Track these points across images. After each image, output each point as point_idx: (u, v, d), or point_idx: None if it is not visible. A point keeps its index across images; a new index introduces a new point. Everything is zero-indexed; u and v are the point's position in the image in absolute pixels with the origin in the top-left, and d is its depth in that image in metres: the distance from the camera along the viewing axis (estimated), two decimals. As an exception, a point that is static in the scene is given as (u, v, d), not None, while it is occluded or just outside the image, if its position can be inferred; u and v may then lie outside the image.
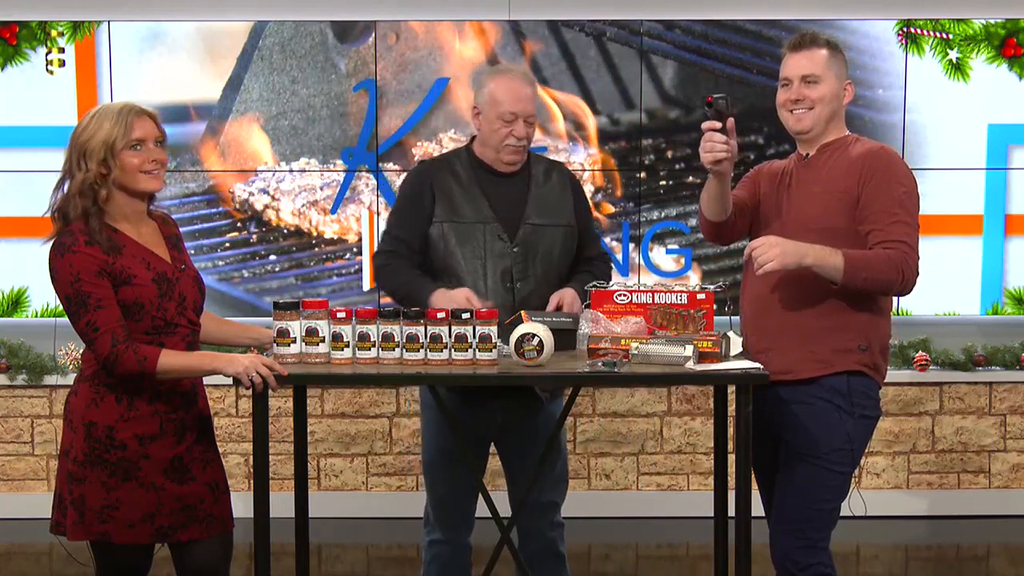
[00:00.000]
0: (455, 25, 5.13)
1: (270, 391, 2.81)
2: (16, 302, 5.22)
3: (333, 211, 5.20)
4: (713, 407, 3.43)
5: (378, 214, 5.18)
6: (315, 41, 5.14)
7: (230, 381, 2.81)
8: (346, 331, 2.93)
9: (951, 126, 5.18)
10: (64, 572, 4.52)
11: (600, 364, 2.84)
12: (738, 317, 3.15)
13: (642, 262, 5.22)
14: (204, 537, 2.89)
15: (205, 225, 5.20)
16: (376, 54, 5.14)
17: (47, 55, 5.11)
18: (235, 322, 3.37)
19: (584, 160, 5.17)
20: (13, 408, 5.21)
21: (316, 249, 5.22)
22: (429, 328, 2.89)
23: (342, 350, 2.93)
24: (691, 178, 5.19)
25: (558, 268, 3.34)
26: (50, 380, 5.16)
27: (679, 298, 3.02)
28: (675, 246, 5.24)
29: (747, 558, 2.86)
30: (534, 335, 2.84)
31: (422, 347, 2.89)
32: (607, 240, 5.13)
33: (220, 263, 5.22)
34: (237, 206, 5.19)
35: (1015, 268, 5.23)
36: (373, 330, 2.92)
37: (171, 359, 2.76)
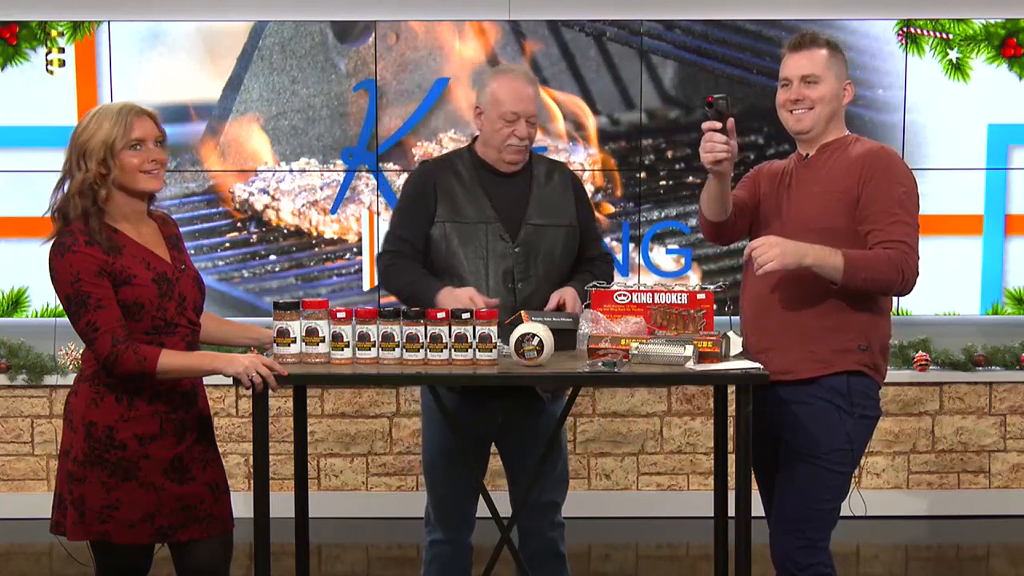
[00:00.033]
0: (455, 25, 5.13)
1: (270, 391, 2.81)
2: (16, 302, 5.22)
3: (333, 211, 5.20)
4: (713, 407, 3.43)
5: (378, 214, 5.18)
6: (315, 41, 5.14)
7: (230, 381, 2.81)
8: (346, 331, 2.93)
9: (951, 126, 5.18)
10: (64, 572, 4.52)
11: (600, 364, 2.84)
12: (738, 317, 3.15)
13: (642, 262, 5.22)
14: (204, 537, 2.89)
15: (205, 225, 5.20)
16: (376, 54, 5.14)
17: (47, 55, 5.12)
18: (235, 322, 3.37)
19: (584, 160, 5.17)
20: (13, 408, 5.21)
21: (316, 249, 5.22)
22: (429, 328, 2.89)
23: (342, 350, 2.93)
24: (691, 178, 5.19)
25: (560, 268, 3.34)
26: (50, 380, 5.16)
27: (679, 298, 3.02)
28: (675, 246, 5.24)
29: (747, 558, 2.86)
30: (534, 335, 2.84)
31: (422, 347, 2.89)
32: (607, 240, 5.13)
33: (220, 263, 5.22)
34: (237, 206, 5.19)
35: (1015, 268, 5.23)
36: (373, 330, 2.92)
37: (171, 359, 2.76)
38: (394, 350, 2.91)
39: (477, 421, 3.31)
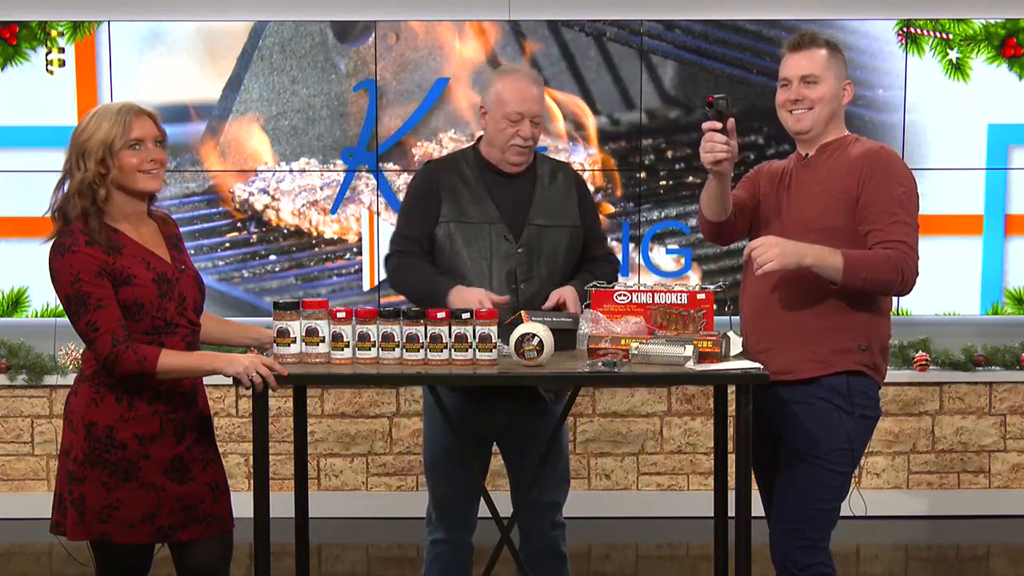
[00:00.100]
0: (455, 25, 5.13)
1: (270, 391, 2.81)
2: (16, 302, 5.22)
3: (333, 211, 5.20)
4: (713, 407, 3.43)
5: (378, 214, 5.18)
6: (315, 41, 5.14)
7: (230, 381, 2.81)
8: (346, 331, 2.93)
9: (951, 126, 5.18)
10: (64, 572, 4.52)
11: (600, 364, 2.84)
12: (738, 317, 3.15)
13: (642, 262, 5.22)
14: (204, 537, 2.89)
15: (205, 225, 5.20)
16: (376, 54, 5.14)
17: (47, 55, 5.12)
18: (235, 322, 3.37)
19: (584, 160, 5.17)
20: (13, 408, 5.21)
21: (316, 249, 5.22)
22: (429, 328, 2.89)
23: (342, 350, 2.93)
24: (691, 178, 5.19)
25: (563, 269, 3.34)
26: (50, 380, 5.16)
27: (679, 298, 3.02)
28: (675, 246, 5.24)
29: (747, 558, 2.86)
30: (534, 335, 2.84)
31: (422, 347, 2.89)
32: (607, 240, 5.13)
33: (220, 263, 5.22)
34: (237, 206, 5.19)
35: (1015, 268, 5.23)
36: (373, 330, 2.92)
37: (171, 359, 2.76)
38: (394, 350, 2.91)
39: (478, 421, 3.31)
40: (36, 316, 5.21)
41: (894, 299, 3.25)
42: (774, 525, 3.10)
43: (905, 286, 2.94)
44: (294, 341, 2.92)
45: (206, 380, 2.97)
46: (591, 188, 5.10)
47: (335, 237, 5.22)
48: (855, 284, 2.89)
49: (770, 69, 5.00)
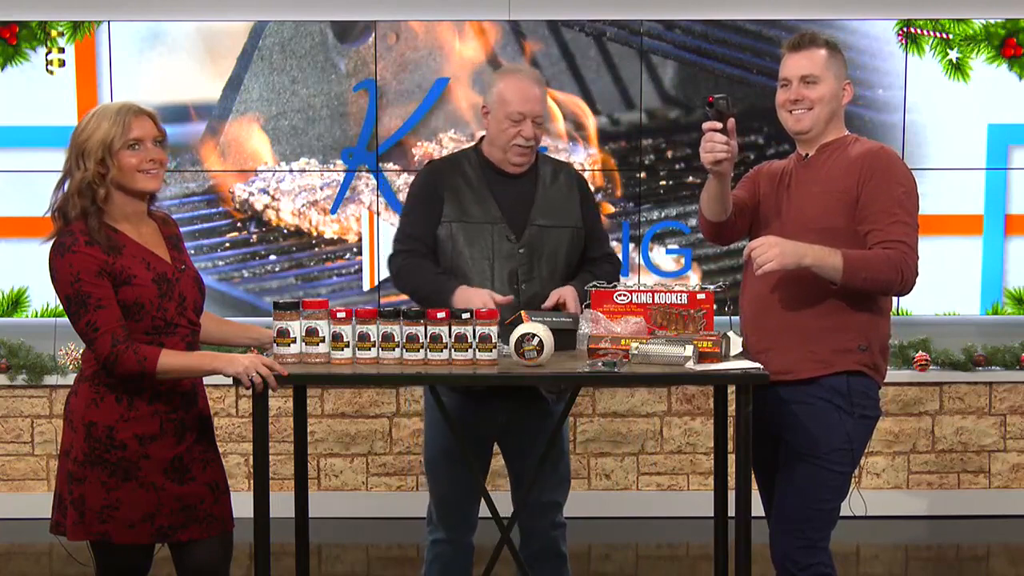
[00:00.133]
0: (455, 25, 5.13)
1: (270, 391, 2.81)
2: (16, 302, 5.22)
3: (333, 211, 5.20)
4: (713, 407, 3.43)
5: (378, 214, 5.18)
6: (315, 41, 5.14)
7: (230, 381, 2.81)
8: (346, 331, 2.93)
9: (951, 126, 5.18)
10: (64, 572, 4.52)
11: (600, 364, 2.84)
12: (738, 317, 3.15)
13: (642, 262, 5.22)
14: (204, 537, 2.89)
15: (205, 225, 5.20)
16: (376, 54, 5.14)
17: (47, 55, 5.12)
18: (235, 322, 3.37)
19: (584, 160, 5.17)
20: (13, 408, 5.21)
21: (316, 249, 5.22)
22: (429, 328, 2.89)
23: (342, 350, 2.93)
24: (691, 178, 5.19)
25: (564, 269, 3.33)
26: (50, 380, 5.16)
27: (679, 298, 3.02)
28: (675, 246, 5.24)
29: (747, 558, 2.86)
30: (534, 335, 2.84)
31: (422, 347, 2.89)
32: (607, 240, 5.13)
33: (220, 263, 5.22)
34: (237, 206, 5.19)
35: (1015, 268, 5.23)
36: (373, 330, 2.92)
37: (171, 359, 2.76)
38: (394, 350, 2.91)
39: (479, 421, 3.31)
40: (36, 316, 5.21)
41: (894, 299, 3.25)
42: (774, 525, 3.10)
43: (905, 286, 2.94)
44: (294, 341, 2.92)
45: (206, 380, 2.97)
46: (591, 188, 5.11)
47: (335, 237, 5.22)
48: (855, 284, 2.89)
49: (770, 69, 5.00)
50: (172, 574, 2.98)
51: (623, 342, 2.93)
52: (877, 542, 4.98)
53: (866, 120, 5.13)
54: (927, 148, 5.18)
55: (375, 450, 5.26)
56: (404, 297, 3.42)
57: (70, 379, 4.60)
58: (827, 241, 2.90)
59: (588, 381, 3.13)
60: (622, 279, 5.06)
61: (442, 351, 2.88)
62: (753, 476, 2.95)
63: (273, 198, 5.19)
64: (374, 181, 5.19)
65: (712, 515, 3.25)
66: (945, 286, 5.13)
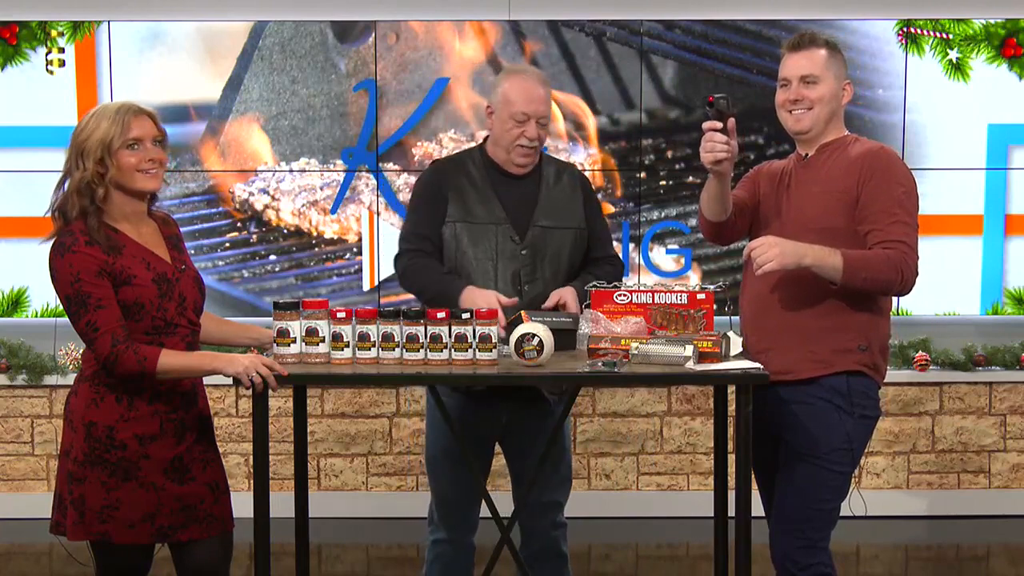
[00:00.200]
0: (455, 25, 5.13)
1: (270, 391, 2.81)
2: (16, 302, 5.22)
3: (333, 211, 5.20)
4: (713, 407, 3.43)
5: (378, 214, 5.18)
6: (315, 41, 5.14)
7: (230, 381, 2.81)
8: (346, 331, 2.93)
9: (951, 126, 5.18)
10: (64, 572, 4.52)
11: (600, 364, 2.84)
12: (738, 317, 3.15)
13: (642, 262, 5.22)
14: (204, 537, 2.89)
15: (205, 225, 5.20)
16: (376, 54, 5.14)
17: (47, 55, 5.12)
18: (235, 322, 3.37)
19: (584, 160, 5.17)
20: (13, 408, 5.21)
21: (316, 249, 5.22)
22: (429, 328, 2.89)
23: (342, 350, 2.93)
24: (691, 178, 5.19)
25: (567, 270, 3.33)
26: (50, 380, 5.16)
27: (679, 298, 3.02)
28: (675, 246, 5.24)
29: (747, 558, 2.86)
30: (534, 335, 2.84)
31: (422, 347, 2.89)
32: (607, 240, 5.13)
33: (220, 263, 5.22)
34: (237, 206, 5.19)
35: (1015, 268, 5.23)
36: (373, 330, 2.92)
37: (171, 359, 2.76)
38: (394, 350, 2.91)
39: (480, 421, 3.31)
40: (36, 316, 5.21)
41: (894, 299, 3.25)
42: (774, 525, 3.10)
43: (905, 286, 2.94)
44: (294, 341, 2.92)
45: (206, 380, 2.97)
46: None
47: (335, 237, 5.22)
48: (855, 284, 2.89)
49: (770, 69, 5.00)
50: (172, 574, 2.98)
51: (623, 342, 2.93)
52: (877, 542, 4.98)
53: (866, 120, 5.13)
54: (927, 148, 5.18)
55: (375, 450, 5.26)
56: (404, 297, 3.43)
57: (70, 379, 4.61)
58: (827, 241, 2.90)
59: (588, 381, 3.13)
60: (622, 279, 5.07)
61: (442, 351, 2.88)
62: (753, 476, 2.95)
63: (273, 198, 5.19)
64: (374, 181, 5.19)
65: (712, 515, 3.25)
66: (945, 286, 5.13)
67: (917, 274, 2.95)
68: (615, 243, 5.12)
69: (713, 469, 3.33)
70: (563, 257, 3.32)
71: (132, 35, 5.12)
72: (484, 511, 3.28)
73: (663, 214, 5.22)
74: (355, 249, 5.21)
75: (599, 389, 5.21)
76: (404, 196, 5.12)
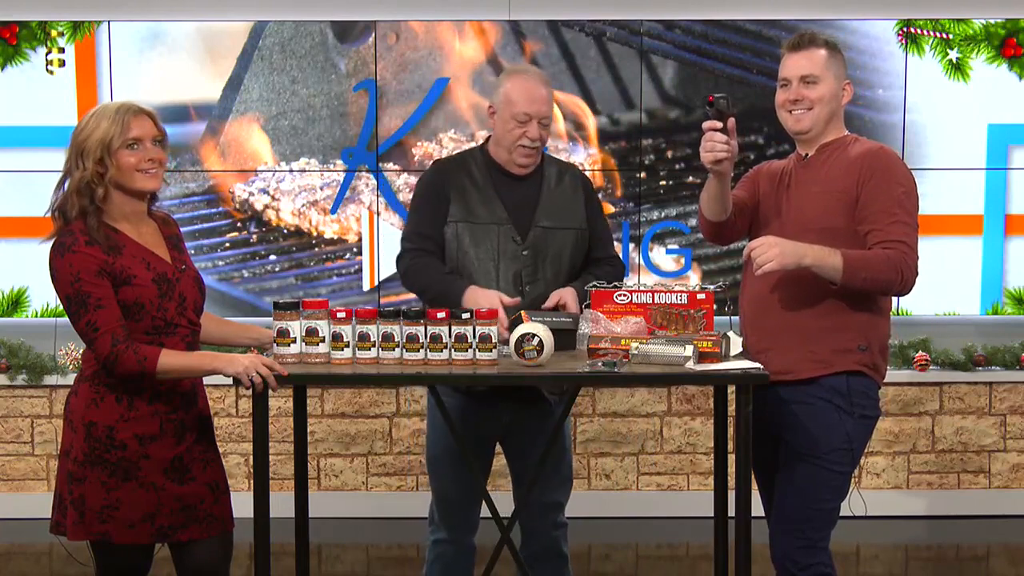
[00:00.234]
0: (455, 25, 5.13)
1: (270, 391, 2.81)
2: (16, 302, 5.22)
3: (333, 211, 5.20)
4: (713, 407, 3.43)
5: (378, 214, 5.18)
6: (315, 41, 5.14)
7: (230, 381, 2.81)
8: (346, 331, 2.93)
9: (951, 126, 5.18)
10: (64, 572, 4.52)
11: (600, 364, 2.84)
12: (738, 317, 3.15)
13: (642, 262, 5.22)
14: (204, 537, 2.89)
15: (205, 225, 5.20)
16: (376, 54, 5.14)
17: (47, 55, 5.12)
18: (235, 322, 3.37)
19: (584, 160, 5.17)
20: (13, 408, 5.21)
21: (316, 249, 5.22)
22: (429, 328, 2.89)
23: (342, 350, 2.93)
24: (691, 178, 5.19)
25: (568, 271, 3.33)
26: (50, 380, 5.16)
27: (679, 298, 3.02)
28: (675, 246, 5.24)
29: (747, 558, 2.86)
30: (534, 335, 2.84)
31: (422, 347, 2.89)
32: (607, 240, 5.13)
33: (220, 263, 5.22)
34: (237, 206, 5.19)
35: (1015, 268, 5.23)
36: (373, 330, 2.92)
37: (171, 359, 2.76)
38: (394, 350, 2.91)
39: (481, 421, 3.31)
40: (36, 316, 5.21)
41: (894, 299, 3.25)
42: (774, 525, 3.10)
43: (905, 286, 2.94)
44: (294, 341, 2.92)
45: (206, 380, 2.97)
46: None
47: (335, 237, 5.22)
48: (855, 284, 2.89)
49: (770, 69, 5.00)
50: (172, 574, 2.98)
51: (623, 342, 2.93)
52: (877, 542, 4.98)
53: (866, 120, 5.13)
54: (927, 148, 5.18)
55: (375, 450, 5.26)
56: (404, 297, 3.43)
57: (70, 379, 4.61)
58: (827, 241, 2.90)
59: (588, 381, 3.13)
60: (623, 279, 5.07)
61: (442, 351, 2.88)
62: (753, 476, 2.95)
63: (273, 198, 5.19)
64: (374, 181, 5.19)
65: (712, 515, 3.26)
66: (945, 286, 5.13)
67: (917, 274, 2.95)
68: (615, 243, 5.14)
69: (713, 469, 3.33)
70: (564, 257, 3.32)
71: (132, 35, 5.12)
72: (484, 511, 3.28)
73: (663, 214, 5.22)
74: (355, 249, 5.21)
75: (599, 389, 5.21)
76: (404, 196, 5.12)
